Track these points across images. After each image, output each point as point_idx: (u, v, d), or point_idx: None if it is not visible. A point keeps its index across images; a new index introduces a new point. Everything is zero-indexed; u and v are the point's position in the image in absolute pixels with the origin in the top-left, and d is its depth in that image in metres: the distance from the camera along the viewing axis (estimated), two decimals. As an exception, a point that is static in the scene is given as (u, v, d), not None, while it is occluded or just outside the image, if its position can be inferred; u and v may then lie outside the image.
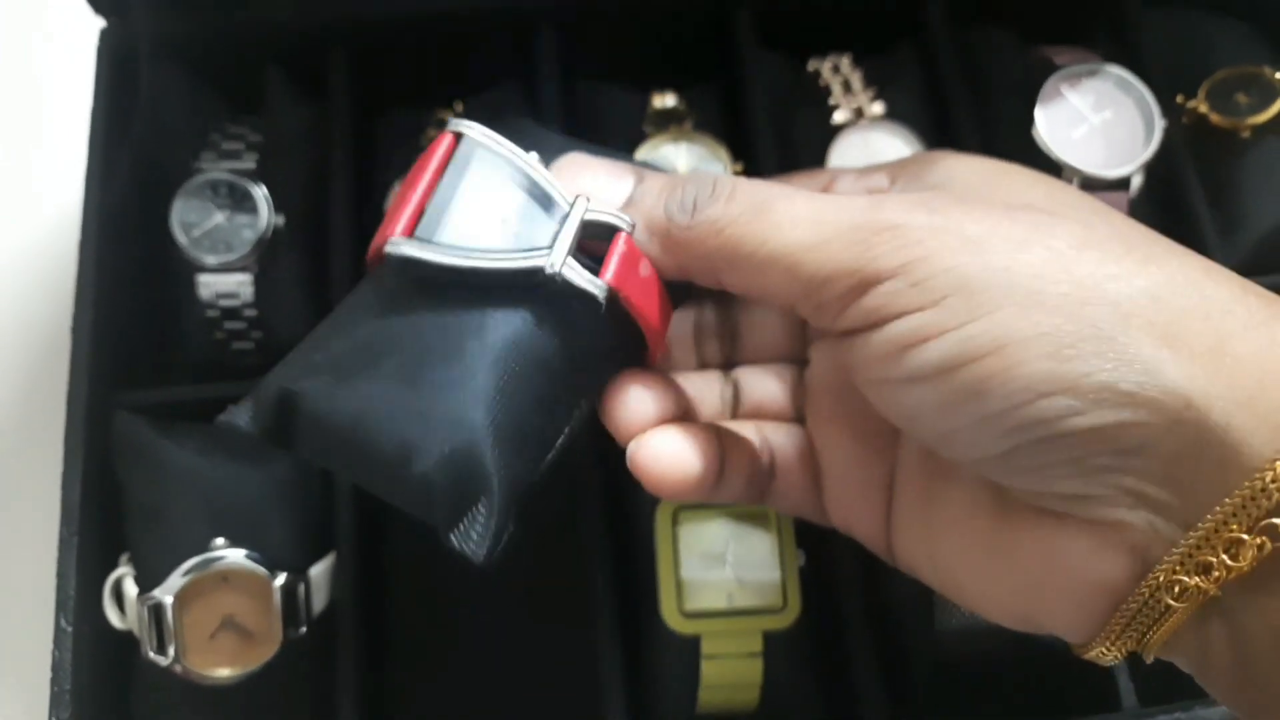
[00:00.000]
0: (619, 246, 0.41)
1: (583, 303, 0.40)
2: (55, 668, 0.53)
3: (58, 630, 0.54)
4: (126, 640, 0.56)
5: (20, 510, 0.69)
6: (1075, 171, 0.63)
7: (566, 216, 0.40)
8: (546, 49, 0.69)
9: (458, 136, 0.41)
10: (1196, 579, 0.35)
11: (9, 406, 0.72)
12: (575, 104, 0.70)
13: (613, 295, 0.41)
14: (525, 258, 0.39)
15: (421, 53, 0.70)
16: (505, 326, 0.40)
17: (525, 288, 0.40)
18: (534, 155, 0.42)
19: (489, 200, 0.40)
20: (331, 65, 0.68)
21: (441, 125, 0.68)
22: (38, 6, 0.85)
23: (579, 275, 0.40)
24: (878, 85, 0.68)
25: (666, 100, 0.68)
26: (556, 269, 0.39)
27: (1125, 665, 0.57)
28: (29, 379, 0.72)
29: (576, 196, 0.41)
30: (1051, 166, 0.63)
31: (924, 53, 0.72)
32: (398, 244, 0.39)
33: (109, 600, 0.56)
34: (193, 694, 0.55)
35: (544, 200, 0.41)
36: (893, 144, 0.66)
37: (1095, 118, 0.64)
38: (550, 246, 0.40)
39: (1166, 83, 0.67)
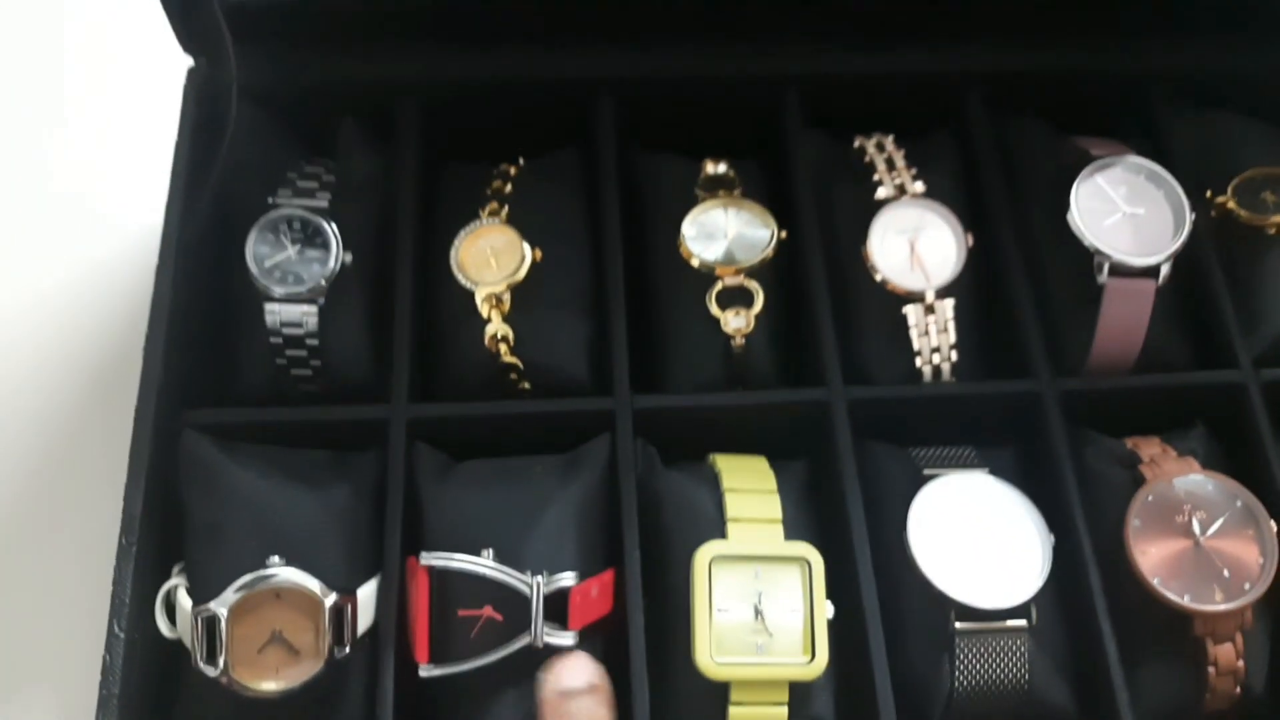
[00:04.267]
0: (574, 600, 0.57)
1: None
2: (105, 671, 0.55)
3: (110, 635, 0.56)
4: (173, 650, 0.58)
5: (76, 518, 0.71)
6: (1106, 258, 0.66)
7: (531, 598, 0.56)
8: (605, 116, 0.73)
9: (428, 568, 0.56)
10: None
11: (73, 418, 0.74)
12: (630, 168, 0.74)
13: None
14: (511, 644, 0.56)
15: (487, 111, 0.74)
16: None
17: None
18: (489, 552, 0.56)
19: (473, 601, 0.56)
20: (401, 118, 0.71)
21: (505, 178, 0.71)
22: (131, 42, 0.89)
23: (555, 638, 0.56)
24: (918, 165, 0.71)
25: (719, 167, 0.71)
26: (539, 644, 0.56)
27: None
28: (95, 391, 0.75)
29: (534, 579, 0.56)
30: (1084, 252, 0.66)
31: (962, 138, 0.75)
32: (428, 669, 0.56)
33: (160, 610, 0.58)
34: (236, 706, 0.56)
35: (508, 588, 0.56)
36: (932, 220, 0.69)
37: (1127, 208, 0.67)
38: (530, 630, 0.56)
39: (1193, 179, 0.70)
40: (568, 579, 0.57)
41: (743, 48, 0.74)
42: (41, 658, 0.68)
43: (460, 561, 0.56)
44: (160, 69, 0.74)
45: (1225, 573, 0.60)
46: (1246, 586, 0.60)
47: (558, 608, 0.56)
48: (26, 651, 0.69)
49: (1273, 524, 0.61)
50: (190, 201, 0.65)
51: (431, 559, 0.56)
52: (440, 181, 0.73)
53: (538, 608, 0.55)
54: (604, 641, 0.60)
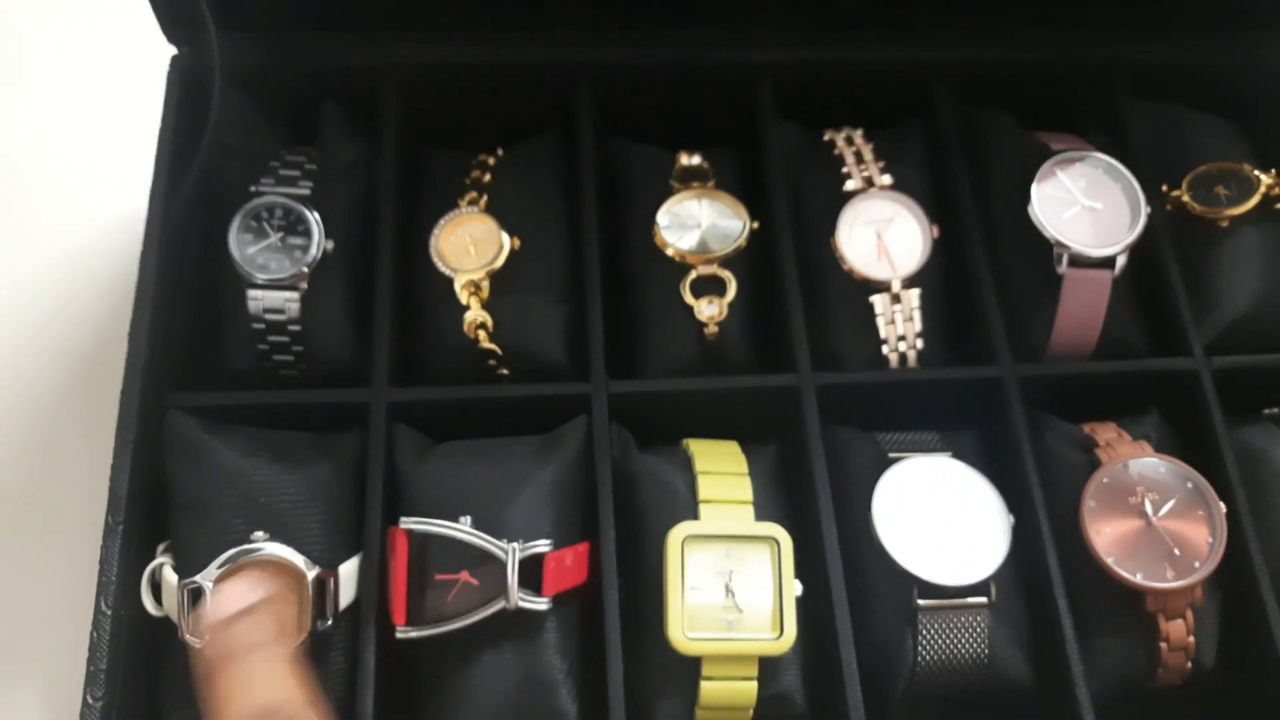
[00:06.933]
0: (549, 566, 0.59)
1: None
2: (93, 648, 0.56)
3: (97, 613, 0.57)
4: (159, 627, 0.59)
5: (62, 500, 0.72)
6: (1065, 249, 0.68)
7: (506, 563, 0.57)
8: (583, 102, 0.74)
9: (407, 532, 0.58)
10: None
11: (59, 402, 0.75)
12: (607, 157, 0.76)
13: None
14: (486, 608, 0.57)
15: (467, 98, 0.75)
16: None
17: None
18: (467, 519, 0.58)
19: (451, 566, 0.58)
20: (383, 104, 0.73)
21: (484, 168, 0.73)
22: (116, 29, 0.90)
23: (530, 603, 0.58)
24: (886, 158, 0.73)
25: (692, 159, 0.73)
26: (513, 606, 0.57)
27: (1091, 705, 0.61)
28: (81, 376, 0.76)
29: (510, 545, 0.58)
30: (1044, 243, 0.69)
31: (929, 131, 0.77)
32: (404, 630, 0.57)
33: (146, 588, 0.59)
34: (220, 680, 0.57)
35: (485, 553, 0.58)
36: (899, 212, 0.71)
37: (1086, 201, 0.70)
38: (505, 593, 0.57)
39: (1151, 172, 0.73)
40: (543, 545, 0.59)
41: (719, 36, 0.75)
42: (29, 636, 0.69)
43: (438, 526, 0.58)
44: (143, 56, 0.75)
45: (1176, 552, 0.63)
46: (1196, 565, 0.62)
47: (533, 574, 0.58)
48: (14, 630, 0.70)
49: (1221, 505, 0.63)
50: (173, 187, 0.66)
51: (410, 523, 0.58)
52: (421, 168, 0.75)
53: (513, 572, 0.57)
54: (579, 612, 0.62)
